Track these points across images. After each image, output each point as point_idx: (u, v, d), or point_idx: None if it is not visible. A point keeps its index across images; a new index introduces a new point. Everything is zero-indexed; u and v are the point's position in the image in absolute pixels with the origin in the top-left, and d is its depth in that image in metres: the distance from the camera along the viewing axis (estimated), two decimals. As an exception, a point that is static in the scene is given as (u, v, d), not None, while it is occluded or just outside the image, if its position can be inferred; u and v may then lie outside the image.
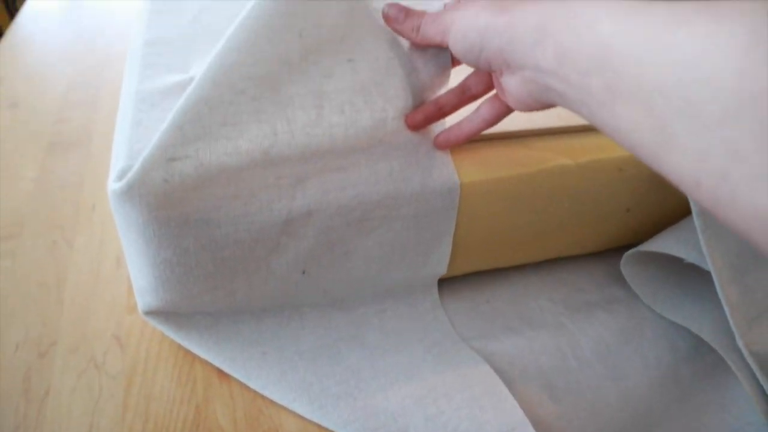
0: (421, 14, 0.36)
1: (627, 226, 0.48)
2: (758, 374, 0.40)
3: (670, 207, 0.48)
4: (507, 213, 0.43)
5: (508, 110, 0.36)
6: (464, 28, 0.32)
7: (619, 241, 0.50)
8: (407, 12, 0.37)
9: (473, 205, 0.41)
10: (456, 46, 0.33)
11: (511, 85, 0.32)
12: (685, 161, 0.20)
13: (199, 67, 0.47)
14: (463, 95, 0.39)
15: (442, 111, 0.39)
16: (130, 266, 0.40)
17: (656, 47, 0.21)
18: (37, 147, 0.62)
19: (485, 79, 0.37)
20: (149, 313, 0.41)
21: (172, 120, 0.33)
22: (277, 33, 0.35)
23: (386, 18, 0.38)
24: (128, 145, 0.38)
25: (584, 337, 0.44)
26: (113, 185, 0.34)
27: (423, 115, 0.39)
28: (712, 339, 0.43)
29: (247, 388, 0.40)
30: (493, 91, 0.37)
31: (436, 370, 0.40)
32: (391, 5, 0.37)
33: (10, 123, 0.66)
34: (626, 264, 0.47)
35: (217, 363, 0.40)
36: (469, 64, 0.34)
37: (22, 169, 0.59)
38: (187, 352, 0.42)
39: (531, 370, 0.42)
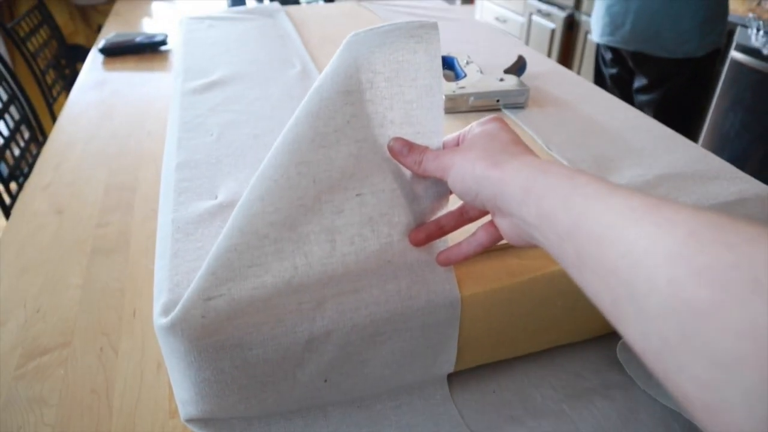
0: (423, 150, 0.41)
1: (619, 315, 0.53)
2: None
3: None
4: (505, 316, 0.48)
5: (501, 236, 0.41)
6: (462, 173, 0.37)
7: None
8: (411, 147, 0.42)
9: (474, 313, 0.46)
10: (455, 186, 0.38)
11: (503, 225, 0.37)
12: (633, 335, 0.24)
13: (225, 191, 0.53)
14: (461, 218, 0.44)
15: (443, 230, 0.44)
16: (173, 381, 0.45)
17: (613, 236, 0.25)
18: (81, 253, 0.69)
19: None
20: (190, 420, 0.46)
21: (206, 266, 0.39)
22: (293, 181, 0.40)
23: (391, 151, 0.43)
24: (169, 277, 0.44)
25: (583, 424, 0.48)
26: (158, 320, 0.40)
27: (425, 234, 0.44)
28: (702, 424, 0.47)
29: (279, 487, 0.44)
30: (488, 217, 0.42)
31: (447, 466, 0.44)
32: (396, 140, 0.42)
33: (57, 230, 0.73)
34: (622, 350, 0.51)
35: (251, 465, 0.45)
36: (465, 202, 0.39)
37: (69, 276, 0.65)
38: (224, 454, 0.46)
39: (535, 461, 0.46)
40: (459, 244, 0.43)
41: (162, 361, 0.54)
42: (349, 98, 0.41)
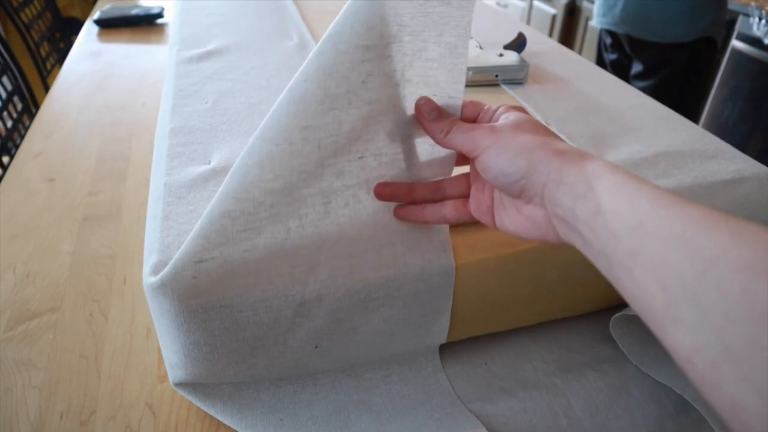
0: (453, 120, 0.38)
1: (613, 290, 0.52)
2: (736, 432, 0.43)
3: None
4: (499, 286, 0.47)
5: (470, 219, 0.40)
6: (510, 154, 0.34)
7: (607, 303, 0.54)
8: (440, 114, 0.39)
9: (468, 282, 0.46)
10: (493, 165, 0.35)
11: (537, 215, 0.34)
12: (684, 341, 0.24)
13: (218, 156, 0.53)
14: (437, 193, 0.42)
15: (412, 197, 0.42)
16: (162, 344, 0.45)
17: (682, 241, 0.25)
18: (72, 220, 0.68)
19: (461, 187, 0.40)
20: (179, 384, 0.46)
21: (198, 230, 0.38)
22: (296, 147, 0.38)
23: (418, 110, 0.39)
24: (159, 238, 0.43)
25: (575, 397, 0.48)
26: (148, 279, 0.40)
27: (391, 190, 0.42)
28: (694, 399, 0.47)
29: (267, 452, 0.44)
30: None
31: (437, 434, 0.44)
32: (426, 101, 0.39)
33: (48, 197, 0.72)
34: (615, 325, 0.51)
35: (239, 430, 0.45)
36: (496, 184, 0.36)
37: (60, 242, 0.64)
38: (213, 418, 0.46)
39: (524, 431, 0.45)
40: (423, 207, 0.42)
41: (151, 327, 0.54)
42: (367, 54, 0.37)
